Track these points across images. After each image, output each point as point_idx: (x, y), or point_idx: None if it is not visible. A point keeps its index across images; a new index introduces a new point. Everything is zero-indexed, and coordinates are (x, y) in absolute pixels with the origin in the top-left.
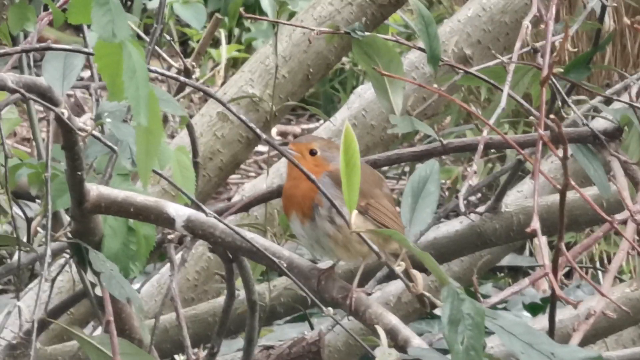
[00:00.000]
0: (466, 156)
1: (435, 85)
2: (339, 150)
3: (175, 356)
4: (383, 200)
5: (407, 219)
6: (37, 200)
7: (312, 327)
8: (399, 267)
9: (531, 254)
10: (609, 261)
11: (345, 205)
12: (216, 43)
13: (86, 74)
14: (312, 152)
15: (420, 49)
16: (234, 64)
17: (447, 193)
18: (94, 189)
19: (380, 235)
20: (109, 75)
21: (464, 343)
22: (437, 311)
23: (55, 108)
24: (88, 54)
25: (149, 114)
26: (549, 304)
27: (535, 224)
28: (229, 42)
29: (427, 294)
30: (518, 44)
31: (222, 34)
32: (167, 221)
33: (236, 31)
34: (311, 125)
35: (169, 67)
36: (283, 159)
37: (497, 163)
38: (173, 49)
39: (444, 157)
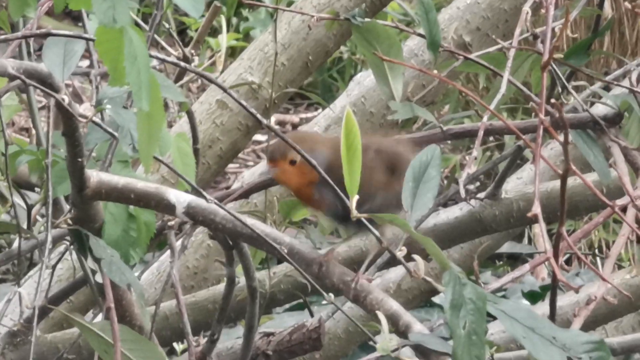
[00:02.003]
0: (465, 144)
1: (435, 72)
2: (323, 143)
3: (175, 344)
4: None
5: (408, 204)
6: (37, 189)
7: (312, 315)
8: (400, 252)
9: (530, 242)
10: (608, 249)
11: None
12: (214, 32)
13: (84, 63)
14: (292, 162)
15: (420, 35)
16: (232, 54)
17: (445, 182)
18: (95, 176)
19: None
20: (110, 61)
21: (465, 328)
22: (436, 299)
23: (55, 94)
24: (89, 39)
25: (151, 99)
26: (550, 288)
27: (537, 209)
28: (227, 31)
29: (428, 278)
30: (518, 30)
31: (223, 20)
32: (167, 207)
33: (234, 20)
34: (309, 114)
35: (168, 56)
36: None
37: (496, 151)
38: (171, 39)
39: (442, 145)
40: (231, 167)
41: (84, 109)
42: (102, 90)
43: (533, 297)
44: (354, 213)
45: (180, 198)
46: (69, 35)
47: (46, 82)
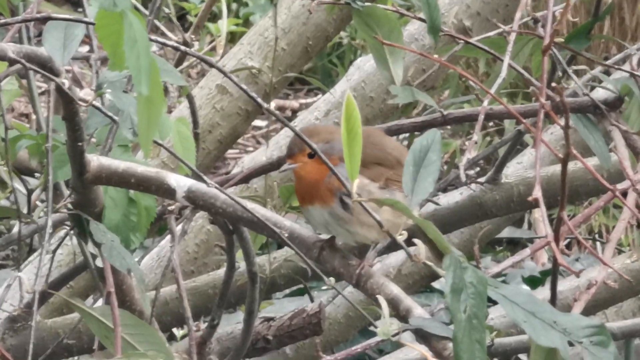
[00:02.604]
0: (464, 130)
1: (436, 56)
2: (337, 132)
3: (174, 330)
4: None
5: (409, 188)
6: (37, 175)
7: (312, 300)
8: (400, 237)
9: (530, 227)
10: (609, 234)
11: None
12: (214, 18)
13: (83, 49)
14: (311, 155)
15: (420, 19)
16: (232, 39)
17: (445, 167)
18: (95, 160)
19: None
20: (110, 45)
21: (466, 312)
22: (436, 284)
23: (56, 78)
24: (89, 23)
25: (150, 83)
26: (551, 272)
27: (538, 193)
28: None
29: (429, 262)
30: (518, 14)
31: (223, 5)
32: (167, 192)
33: (234, 6)
34: (309, 100)
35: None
36: (282, 132)
37: (496, 136)
38: (171, 25)
39: (442, 130)
40: (231, 152)
41: (84, 94)
42: (102, 74)
43: (533, 282)
44: (355, 196)
45: (180, 182)
46: (69, 19)
47: (46, 66)
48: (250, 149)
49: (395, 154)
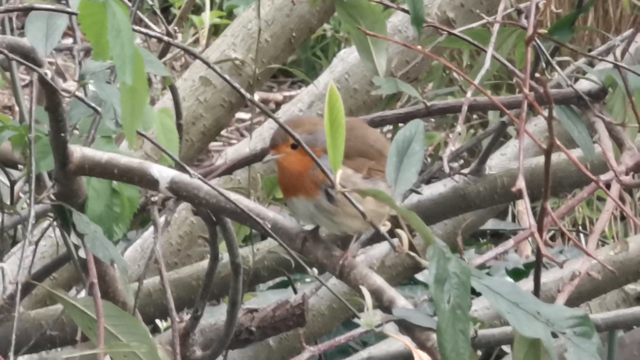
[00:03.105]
0: (448, 122)
1: (420, 47)
2: (321, 123)
3: (158, 322)
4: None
5: (392, 179)
6: (20, 166)
7: (295, 292)
8: (384, 227)
9: (514, 219)
10: (592, 226)
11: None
12: (198, 10)
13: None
14: (294, 146)
15: (404, 10)
16: (215, 32)
17: (429, 160)
18: (78, 151)
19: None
20: (93, 35)
21: (450, 302)
22: (419, 277)
23: (38, 69)
24: (72, 13)
25: (135, 73)
26: (535, 263)
27: (521, 183)
28: (210, 9)
29: (412, 253)
30: (502, 5)
31: None
32: (151, 182)
33: None
34: (293, 92)
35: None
36: (265, 124)
37: (480, 129)
38: (154, 18)
39: (425, 123)
40: (214, 145)
41: (68, 86)
42: (84, 65)
43: (517, 274)
44: (338, 187)
45: (163, 173)
46: (51, 9)
47: (29, 57)
48: (234, 141)
49: (378, 146)
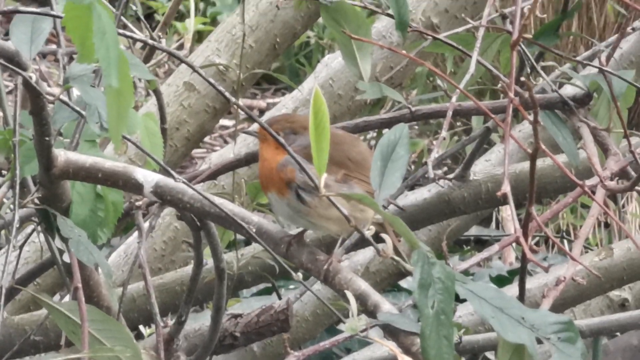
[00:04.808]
0: (432, 129)
1: (404, 52)
2: (305, 128)
3: (142, 328)
4: (365, 169)
5: (376, 183)
6: (4, 172)
7: (279, 298)
8: (368, 232)
9: (498, 226)
10: (575, 234)
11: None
12: (181, 17)
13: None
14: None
15: (388, 15)
16: (199, 38)
17: (412, 167)
18: (62, 155)
19: (356, 206)
20: (78, 37)
21: (434, 307)
22: (403, 284)
23: (23, 72)
24: (57, 17)
25: (120, 76)
26: (520, 269)
27: (506, 187)
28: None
29: (397, 257)
30: (487, 10)
31: (192, 2)
32: (135, 187)
33: (201, 5)
34: (276, 100)
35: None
36: (249, 129)
37: (463, 136)
38: (138, 24)
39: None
40: (198, 152)
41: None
42: (69, 68)
43: (501, 281)
44: (322, 191)
45: (148, 177)
46: (36, 13)
47: (13, 60)
48: (217, 148)
49: (358, 159)
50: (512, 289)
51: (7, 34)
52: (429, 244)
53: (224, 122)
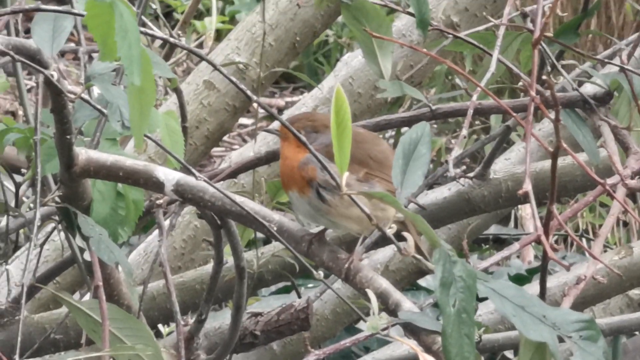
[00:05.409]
0: (450, 128)
1: (425, 50)
2: (327, 127)
3: (161, 326)
4: (386, 168)
5: (398, 181)
6: (23, 171)
7: (299, 296)
8: (390, 230)
9: (516, 225)
10: (594, 233)
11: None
12: (200, 16)
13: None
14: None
15: (409, 13)
16: (218, 37)
17: (431, 166)
18: (83, 153)
19: (377, 205)
20: (100, 35)
21: (455, 306)
22: (422, 282)
23: (44, 70)
24: (79, 15)
25: (142, 73)
26: (539, 270)
27: (528, 186)
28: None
29: (418, 256)
30: (507, 8)
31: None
32: (156, 185)
33: (220, 4)
34: (295, 98)
35: (153, 39)
36: (269, 127)
37: (482, 134)
38: (157, 24)
39: None
40: (217, 150)
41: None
42: (90, 67)
43: (520, 280)
44: (344, 190)
45: (169, 176)
46: (58, 11)
47: (35, 58)
48: (236, 146)
49: (379, 158)
50: (532, 288)
51: (27, 32)
52: (449, 242)
53: (242, 120)
